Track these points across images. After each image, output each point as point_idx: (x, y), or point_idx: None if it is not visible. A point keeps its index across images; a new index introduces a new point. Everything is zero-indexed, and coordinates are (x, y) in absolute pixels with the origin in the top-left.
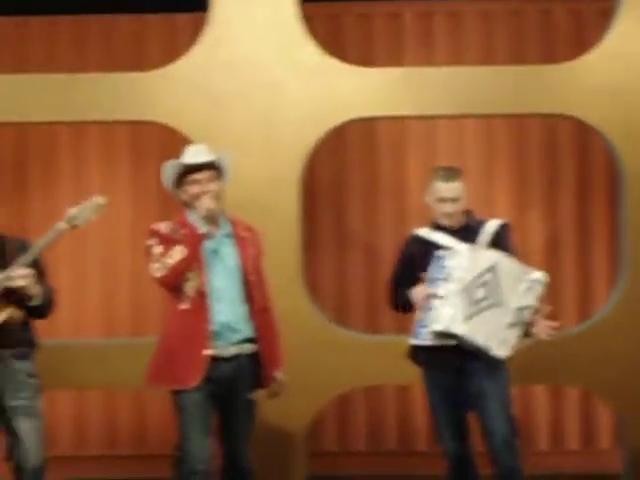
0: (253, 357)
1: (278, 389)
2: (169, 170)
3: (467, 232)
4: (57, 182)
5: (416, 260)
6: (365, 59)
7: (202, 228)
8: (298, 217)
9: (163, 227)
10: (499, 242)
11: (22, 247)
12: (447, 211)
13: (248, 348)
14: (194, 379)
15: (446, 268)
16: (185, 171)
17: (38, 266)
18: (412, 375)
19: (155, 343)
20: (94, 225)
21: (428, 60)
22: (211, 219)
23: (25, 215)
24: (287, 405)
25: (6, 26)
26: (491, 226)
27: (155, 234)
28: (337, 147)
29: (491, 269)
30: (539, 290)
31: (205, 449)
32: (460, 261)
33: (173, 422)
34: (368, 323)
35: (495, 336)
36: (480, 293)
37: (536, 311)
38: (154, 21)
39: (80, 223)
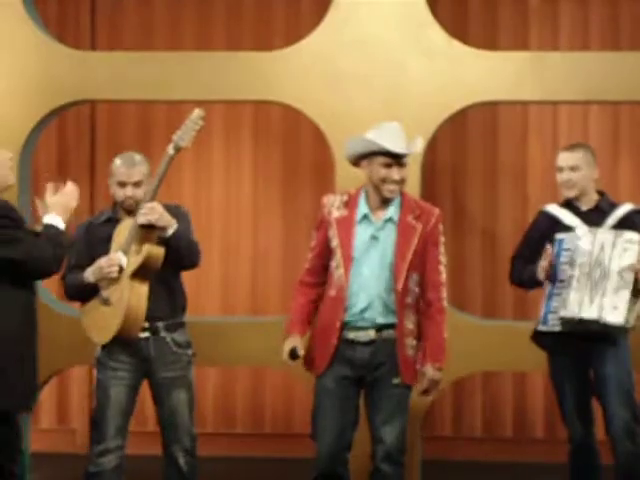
0: (395, 345)
1: (427, 386)
2: (360, 145)
3: (596, 214)
4: (180, 160)
5: (542, 237)
6: (489, 43)
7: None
8: None
9: (330, 201)
10: (625, 225)
11: (176, 213)
12: (564, 179)
13: (387, 334)
14: (323, 362)
15: (568, 252)
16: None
17: (184, 220)
18: (530, 362)
19: (274, 322)
20: (216, 204)
21: (553, 45)
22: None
23: None
24: None
25: (131, 3)
26: (622, 210)
27: (322, 207)
28: (458, 131)
29: (603, 248)
30: (635, 249)
31: (331, 445)
32: (581, 245)
33: None
34: (486, 308)
35: (605, 305)
36: (597, 273)
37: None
38: (279, 1)
39: (185, 144)
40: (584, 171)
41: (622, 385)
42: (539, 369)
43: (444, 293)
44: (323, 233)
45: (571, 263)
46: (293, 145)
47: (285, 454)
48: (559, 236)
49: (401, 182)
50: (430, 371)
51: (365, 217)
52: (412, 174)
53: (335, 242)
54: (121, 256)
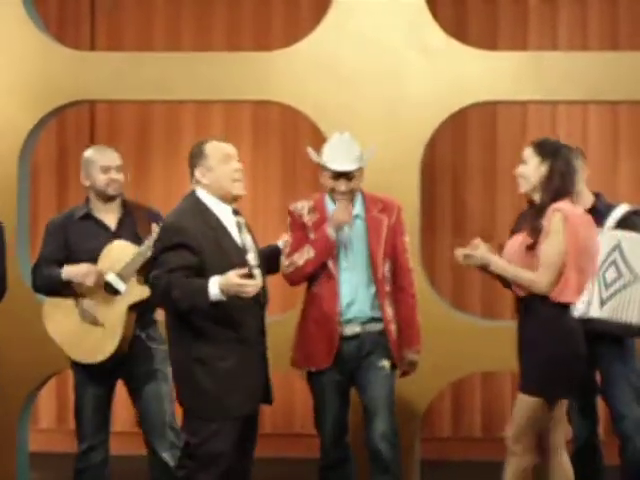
0: (380, 334)
1: (407, 369)
2: (314, 158)
3: (594, 214)
4: (179, 160)
5: None
6: (489, 43)
7: (332, 234)
8: (418, 200)
9: (299, 207)
10: (625, 227)
11: (154, 216)
12: None
13: (372, 327)
14: (326, 361)
15: None
16: None
17: None
18: None
19: (274, 322)
20: None
21: (552, 45)
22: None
23: (147, 192)
24: (403, 389)
25: (130, 3)
26: (619, 212)
27: (290, 215)
28: (457, 131)
29: (616, 247)
30: None
31: (333, 437)
32: None
33: None
34: (485, 309)
35: None
36: (611, 274)
37: None
38: (278, 1)
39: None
40: None
41: (630, 384)
42: None
43: (413, 278)
44: (301, 233)
45: None
46: (292, 146)
47: (285, 454)
48: None
49: (349, 192)
50: (410, 355)
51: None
52: (411, 175)
53: None
54: (113, 277)
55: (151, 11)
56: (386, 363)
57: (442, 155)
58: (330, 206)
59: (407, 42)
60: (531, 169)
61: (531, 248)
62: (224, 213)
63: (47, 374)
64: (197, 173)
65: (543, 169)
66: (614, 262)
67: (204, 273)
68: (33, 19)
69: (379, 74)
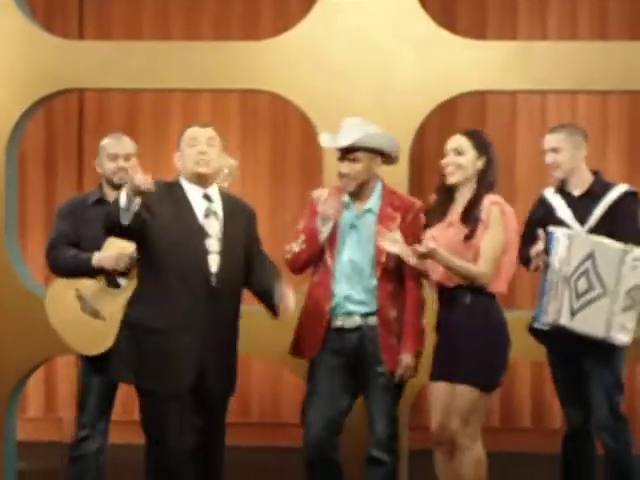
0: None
1: (402, 373)
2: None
3: (588, 200)
4: (167, 149)
5: (537, 224)
6: (478, 32)
7: (318, 226)
8: (407, 189)
9: (318, 194)
10: (617, 210)
11: None
12: (547, 161)
13: (374, 320)
14: (312, 350)
15: (552, 250)
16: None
17: None
18: (518, 351)
19: (259, 312)
20: None
21: (542, 34)
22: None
23: None
24: None
25: None
26: (614, 195)
27: (311, 201)
28: (446, 121)
29: (589, 257)
30: None
31: (317, 432)
32: (558, 250)
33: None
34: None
35: (613, 324)
36: (583, 284)
37: None
38: None
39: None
40: (567, 152)
41: (603, 383)
42: (527, 358)
43: (421, 281)
44: (312, 219)
45: (551, 268)
46: (281, 134)
47: (273, 443)
48: (550, 229)
49: (349, 176)
50: (405, 359)
51: (347, 206)
52: (400, 164)
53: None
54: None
55: (140, 2)
56: (385, 368)
57: (431, 145)
58: (345, 195)
59: (396, 31)
60: (469, 161)
61: (468, 238)
62: (195, 196)
63: (35, 362)
64: (175, 158)
65: (480, 163)
66: (586, 272)
67: (157, 234)
68: (21, 8)
69: (368, 63)
